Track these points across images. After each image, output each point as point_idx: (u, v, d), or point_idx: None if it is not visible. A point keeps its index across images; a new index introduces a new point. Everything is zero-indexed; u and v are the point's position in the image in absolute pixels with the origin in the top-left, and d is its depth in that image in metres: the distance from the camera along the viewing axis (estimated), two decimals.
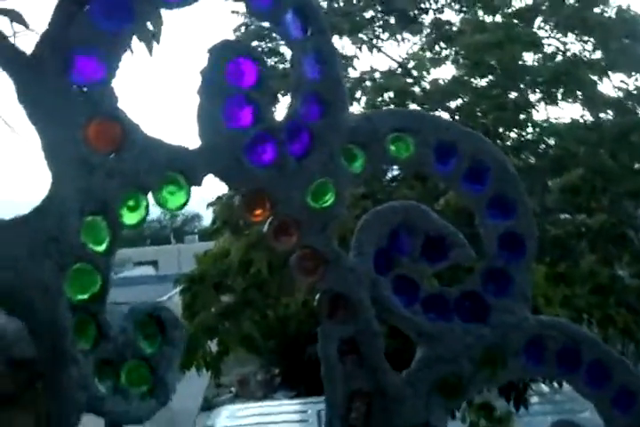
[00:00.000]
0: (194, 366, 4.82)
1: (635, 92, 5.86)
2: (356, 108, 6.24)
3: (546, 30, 6.41)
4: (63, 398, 1.11)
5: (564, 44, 6.36)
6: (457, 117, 6.37)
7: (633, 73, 5.67)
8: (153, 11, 1.22)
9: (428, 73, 6.40)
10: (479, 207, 1.62)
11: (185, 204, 1.25)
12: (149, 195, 1.20)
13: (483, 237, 1.60)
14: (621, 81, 5.79)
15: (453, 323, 1.53)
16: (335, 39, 6.67)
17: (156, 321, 1.26)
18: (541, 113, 6.10)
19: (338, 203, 1.46)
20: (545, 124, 5.72)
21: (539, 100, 6.18)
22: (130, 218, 1.18)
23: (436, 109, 6.42)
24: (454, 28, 6.43)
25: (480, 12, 6.39)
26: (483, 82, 6.06)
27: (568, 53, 6.12)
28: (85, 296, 1.13)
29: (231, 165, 1.32)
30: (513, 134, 6.04)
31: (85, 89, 1.16)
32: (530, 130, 5.85)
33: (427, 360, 1.50)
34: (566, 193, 5.89)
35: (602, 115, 6.10)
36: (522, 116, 5.63)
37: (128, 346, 1.20)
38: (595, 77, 5.88)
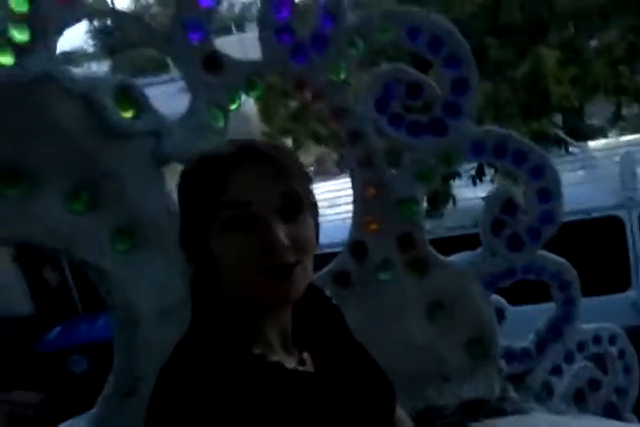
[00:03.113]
0: None
1: None
2: None
3: None
4: None
5: None
6: None
7: None
8: None
9: None
10: (437, 63, 2.58)
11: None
12: None
13: (440, 84, 2.58)
14: None
15: (425, 138, 2.58)
16: None
17: None
18: None
19: (348, 75, 2.47)
20: None
21: None
22: None
23: None
24: None
25: None
26: None
27: None
28: None
29: (283, 66, 2.34)
30: None
31: None
32: None
33: (411, 157, 2.58)
34: None
35: None
36: None
37: None
38: None
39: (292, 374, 1.05)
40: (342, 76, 2.46)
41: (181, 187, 1.06)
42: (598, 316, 3.70)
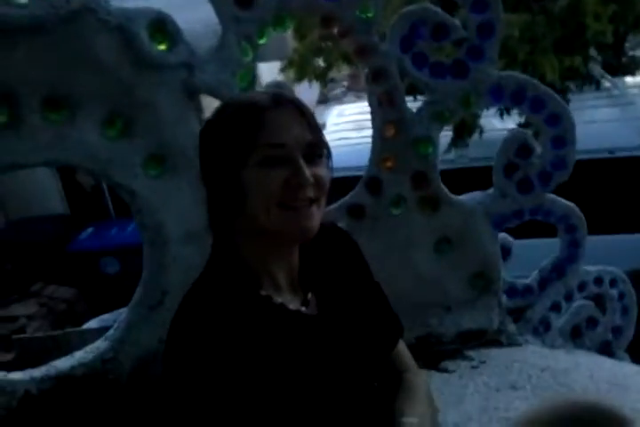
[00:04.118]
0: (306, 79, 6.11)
1: None
2: None
3: None
4: None
5: None
6: None
7: None
8: None
9: None
10: (464, 5, 2.62)
11: None
12: None
13: (467, 27, 2.62)
14: None
15: (447, 79, 2.65)
16: None
17: None
18: None
19: (376, 15, 2.52)
20: None
21: None
22: None
23: None
24: None
25: None
26: None
27: None
28: None
29: (313, 1, 2.40)
30: None
31: None
32: None
33: (430, 101, 2.67)
34: None
35: None
36: None
37: None
38: None
39: (293, 315, 1.20)
40: (370, 15, 2.51)
41: (218, 125, 1.18)
42: (610, 254, 3.80)
